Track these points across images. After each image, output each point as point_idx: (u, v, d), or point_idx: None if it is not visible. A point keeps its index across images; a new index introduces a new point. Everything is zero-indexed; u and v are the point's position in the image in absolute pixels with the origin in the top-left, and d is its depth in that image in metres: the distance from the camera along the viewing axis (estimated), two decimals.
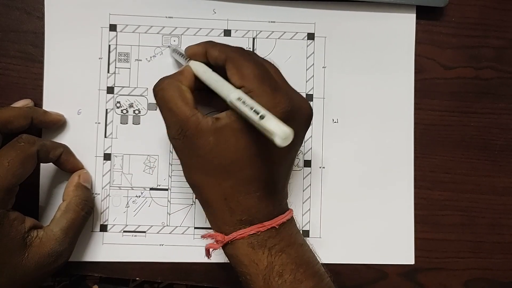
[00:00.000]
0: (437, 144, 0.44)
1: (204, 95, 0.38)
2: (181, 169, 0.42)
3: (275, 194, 0.35)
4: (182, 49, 0.39)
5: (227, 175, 0.33)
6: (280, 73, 0.35)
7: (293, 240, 0.35)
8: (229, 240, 0.34)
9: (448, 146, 0.44)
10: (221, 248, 0.35)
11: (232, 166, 0.32)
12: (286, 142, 0.27)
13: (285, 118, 0.30)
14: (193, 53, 0.36)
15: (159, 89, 0.34)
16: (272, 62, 0.35)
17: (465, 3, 0.45)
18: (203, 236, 0.36)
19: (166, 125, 0.34)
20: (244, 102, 0.29)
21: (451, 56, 0.45)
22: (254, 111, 0.28)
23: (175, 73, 0.36)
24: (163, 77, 0.35)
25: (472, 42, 0.45)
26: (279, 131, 0.27)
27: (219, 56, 0.34)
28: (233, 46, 0.35)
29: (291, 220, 0.36)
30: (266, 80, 0.32)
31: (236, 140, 0.32)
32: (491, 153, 0.45)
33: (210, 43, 0.36)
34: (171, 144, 0.38)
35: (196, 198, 0.39)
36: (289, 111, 0.32)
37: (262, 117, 0.28)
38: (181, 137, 0.33)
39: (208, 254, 0.36)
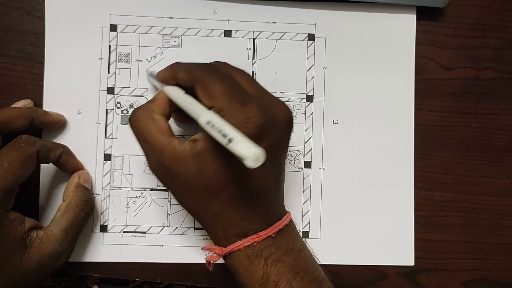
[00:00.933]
0: (437, 145, 0.44)
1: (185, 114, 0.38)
2: None
3: (268, 203, 0.34)
4: (154, 71, 0.39)
5: (213, 196, 0.33)
6: (254, 80, 0.35)
7: (290, 247, 0.34)
8: (227, 252, 0.34)
9: (448, 147, 0.44)
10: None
11: (216, 187, 0.32)
12: (257, 163, 0.27)
13: (260, 132, 0.31)
14: (163, 79, 0.37)
15: (133, 120, 0.35)
16: (244, 70, 0.35)
17: (465, 4, 0.45)
18: (203, 249, 0.37)
19: (145, 156, 0.35)
20: (213, 126, 0.29)
21: (451, 57, 0.45)
22: (223, 134, 0.28)
23: (148, 101, 0.36)
24: (137, 108, 0.35)
25: (472, 43, 0.45)
26: (247, 154, 0.27)
27: (186, 79, 0.34)
28: (199, 65, 0.35)
29: (289, 225, 0.35)
30: (234, 95, 0.32)
31: (216, 162, 0.32)
32: (491, 154, 0.45)
33: (176, 66, 0.36)
34: None
35: None
36: (263, 124, 0.31)
37: (230, 141, 0.27)
38: (159, 167, 0.33)
39: (209, 265, 0.36)
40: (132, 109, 0.42)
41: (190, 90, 0.34)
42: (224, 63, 0.36)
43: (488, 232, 0.45)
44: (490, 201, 0.45)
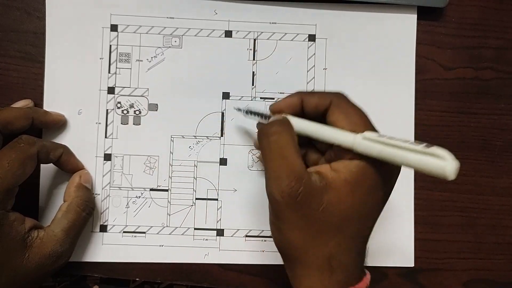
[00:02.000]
0: (437, 144, 0.44)
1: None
2: (181, 170, 0.43)
3: (365, 249, 0.33)
4: (256, 107, 0.39)
5: (334, 233, 0.30)
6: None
7: None
8: None
9: (447, 146, 0.43)
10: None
11: (342, 224, 0.30)
12: (456, 172, 0.25)
13: None
14: (286, 106, 0.34)
15: (273, 132, 0.31)
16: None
17: (465, 4, 0.45)
18: None
19: (273, 175, 0.31)
20: (383, 142, 0.28)
21: (451, 57, 0.45)
22: (406, 148, 0.27)
23: (280, 122, 0.33)
24: (273, 123, 0.32)
25: (472, 43, 0.45)
26: (451, 163, 0.25)
27: (320, 102, 0.33)
28: (331, 92, 0.33)
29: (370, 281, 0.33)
30: (371, 125, 0.31)
31: (351, 196, 0.30)
32: (491, 154, 0.45)
33: (302, 93, 0.34)
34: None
35: (283, 260, 0.34)
36: None
37: (427, 146, 0.26)
38: (289, 194, 0.30)
39: None
40: (133, 109, 0.42)
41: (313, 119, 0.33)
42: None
43: (488, 231, 0.45)
44: (490, 201, 0.45)
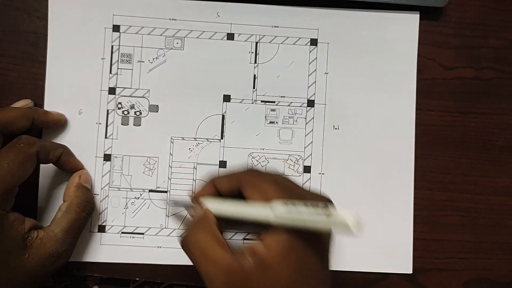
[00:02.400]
0: (437, 144, 0.45)
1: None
2: (180, 171, 0.43)
3: None
4: (180, 198, 0.41)
5: None
6: (291, 181, 0.34)
7: None
8: None
9: (448, 146, 0.45)
10: None
11: None
12: (360, 227, 0.26)
13: None
14: (203, 195, 0.35)
15: (193, 241, 0.32)
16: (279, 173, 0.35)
17: (465, 3, 0.45)
18: None
19: (207, 278, 0.31)
20: (297, 211, 0.28)
21: (451, 56, 0.45)
22: (316, 213, 0.27)
23: (198, 220, 0.34)
24: (191, 227, 0.33)
25: (472, 42, 0.45)
26: (351, 219, 0.26)
27: (231, 185, 0.34)
28: (240, 172, 0.34)
29: None
30: (287, 191, 0.32)
31: (285, 267, 0.30)
32: (491, 154, 0.45)
33: (213, 179, 0.35)
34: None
35: None
36: None
37: (328, 215, 0.27)
38: (230, 285, 0.30)
39: None
40: (133, 110, 0.42)
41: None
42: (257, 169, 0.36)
43: (488, 231, 0.45)
44: (490, 201, 0.45)
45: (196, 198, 0.36)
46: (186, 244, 0.33)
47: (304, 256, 0.31)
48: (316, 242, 0.31)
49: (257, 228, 0.32)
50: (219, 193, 0.35)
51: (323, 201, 0.33)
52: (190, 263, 0.42)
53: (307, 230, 0.29)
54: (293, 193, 0.32)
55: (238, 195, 0.33)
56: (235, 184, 0.33)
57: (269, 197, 0.31)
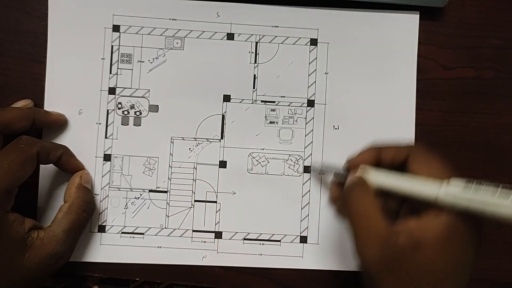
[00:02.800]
0: (437, 144, 0.44)
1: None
2: (180, 171, 0.43)
3: None
4: (330, 164, 0.40)
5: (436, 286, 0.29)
6: None
7: None
8: None
9: (448, 146, 0.45)
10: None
11: (437, 283, 0.29)
12: None
13: None
14: (363, 161, 0.34)
15: (354, 201, 0.32)
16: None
17: (465, 3, 0.45)
18: None
19: (359, 242, 0.31)
20: (482, 190, 0.27)
21: (451, 56, 0.45)
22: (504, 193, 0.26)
23: (359, 184, 0.33)
24: (350, 190, 0.33)
25: (472, 42, 0.45)
26: None
27: (396, 154, 0.33)
28: (408, 144, 0.34)
29: None
30: (451, 172, 0.31)
31: (444, 255, 0.29)
32: (491, 154, 0.45)
33: (376, 146, 0.35)
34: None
35: None
36: None
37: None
38: (380, 260, 0.30)
39: None
40: (133, 110, 0.42)
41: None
42: None
43: (488, 231, 0.44)
44: None
45: (354, 163, 0.35)
46: (346, 204, 0.32)
47: (462, 246, 0.29)
48: (477, 232, 0.30)
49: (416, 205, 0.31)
50: (376, 164, 0.34)
51: None
52: (190, 263, 0.42)
53: (479, 215, 0.28)
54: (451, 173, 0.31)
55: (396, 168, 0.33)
56: (402, 156, 0.32)
57: (442, 173, 0.30)
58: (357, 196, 0.32)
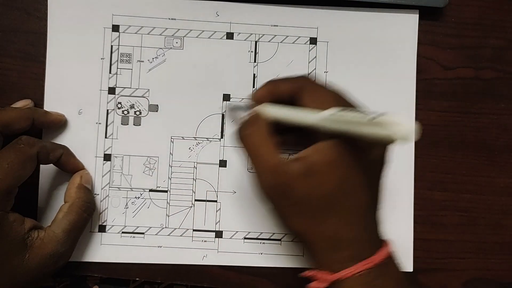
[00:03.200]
0: (437, 144, 0.45)
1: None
2: (181, 171, 0.43)
3: (374, 223, 0.34)
4: (237, 102, 0.41)
5: (328, 212, 0.32)
6: (351, 97, 0.35)
7: (400, 276, 0.33)
8: (335, 279, 0.32)
9: (448, 146, 0.45)
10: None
11: (331, 202, 0.32)
12: (412, 137, 0.26)
13: None
14: (261, 96, 0.36)
15: (246, 135, 0.34)
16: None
17: (465, 3, 0.45)
18: (303, 275, 0.34)
19: (256, 173, 0.33)
20: (351, 115, 0.29)
21: (451, 56, 0.45)
22: (361, 117, 0.28)
23: (253, 116, 0.35)
24: (246, 122, 0.35)
25: (472, 42, 0.45)
26: (403, 125, 0.25)
27: (291, 87, 0.34)
28: (301, 76, 0.36)
29: (393, 252, 0.34)
30: (342, 100, 0.33)
31: (331, 174, 0.31)
32: (491, 154, 0.45)
33: (273, 81, 0.36)
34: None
35: (296, 241, 0.40)
36: None
37: (373, 120, 0.27)
38: (273, 187, 0.32)
39: None
40: (133, 109, 0.42)
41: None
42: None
43: (488, 231, 0.45)
44: (489, 201, 0.45)
45: (253, 97, 0.36)
46: (239, 136, 0.34)
47: (351, 170, 0.32)
48: (367, 162, 0.32)
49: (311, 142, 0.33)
50: (276, 98, 0.35)
51: None
52: (190, 262, 0.42)
53: (357, 140, 0.29)
54: (348, 104, 0.33)
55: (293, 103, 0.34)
56: (294, 88, 0.34)
57: (326, 106, 0.32)
58: (250, 131, 0.34)
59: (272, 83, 0.36)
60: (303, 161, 0.32)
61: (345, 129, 0.30)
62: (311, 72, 0.44)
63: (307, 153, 0.32)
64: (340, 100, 0.33)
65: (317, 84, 0.34)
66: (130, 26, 0.43)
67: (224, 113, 0.43)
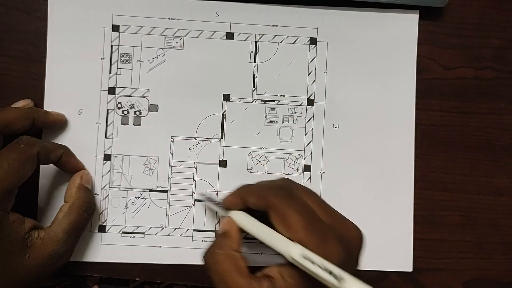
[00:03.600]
0: (437, 144, 0.45)
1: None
2: (181, 171, 0.43)
3: None
4: (215, 196, 0.41)
5: None
6: (323, 202, 0.34)
7: None
8: None
9: (448, 146, 0.45)
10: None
11: None
12: None
13: (341, 264, 0.29)
14: (231, 204, 0.35)
15: (212, 263, 0.33)
16: (309, 189, 0.35)
17: (465, 3, 0.45)
18: None
19: None
20: (312, 262, 0.28)
21: (451, 56, 0.45)
22: (329, 272, 0.28)
23: (221, 236, 0.34)
24: (213, 246, 0.34)
25: (472, 42, 0.45)
26: None
27: (259, 204, 0.33)
28: (270, 189, 0.34)
29: None
30: (314, 229, 0.31)
31: None
32: (491, 153, 0.45)
33: (245, 190, 0.35)
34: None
35: None
36: (344, 258, 0.30)
37: (340, 280, 0.27)
38: None
39: None
40: (133, 109, 0.42)
41: (260, 213, 0.34)
42: (291, 181, 0.35)
43: (488, 231, 0.45)
44: (490, 201, 0.45)
45: (225, 203, 0.36)
46: (206, 262, 0.33)
47: None
48: None
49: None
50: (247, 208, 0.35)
51: (354, 233, 0.33)
52: (190, 263, 0.42)
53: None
54: (320, 227, 0.31)
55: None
56: (263, 205, 0.33)
57: (294, 232, 0.30)
58: (216, 256, 0.33)
59: (244, 190, 0.35)
60: (274, 282, 0.30)
61: (308, 271, 0.29)
62: (311, 72, 0.44)
63: (275, 275, 0.31)
64: (307, 226, 0.31)
65: (286, 202, 0.32)
66: (130, 26, 0.43)
67: (204, 200, 0.42)
